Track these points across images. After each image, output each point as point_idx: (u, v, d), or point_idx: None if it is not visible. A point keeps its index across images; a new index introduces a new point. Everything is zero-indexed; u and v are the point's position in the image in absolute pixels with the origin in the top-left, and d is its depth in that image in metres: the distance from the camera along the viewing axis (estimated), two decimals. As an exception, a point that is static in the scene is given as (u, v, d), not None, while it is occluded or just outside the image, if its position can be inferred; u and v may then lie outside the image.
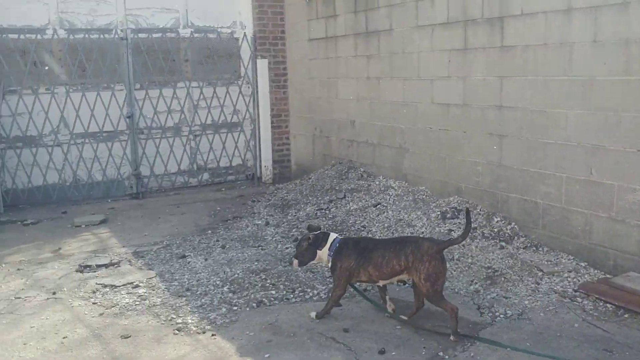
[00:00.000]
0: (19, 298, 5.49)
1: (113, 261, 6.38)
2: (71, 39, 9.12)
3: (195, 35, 9.93)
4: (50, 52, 9.07)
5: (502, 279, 5.43)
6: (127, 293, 5.49)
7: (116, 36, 9.33)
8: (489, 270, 5.58)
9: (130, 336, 4.63)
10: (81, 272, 6.12)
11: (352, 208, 7.57)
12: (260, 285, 5.58)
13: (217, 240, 7.04)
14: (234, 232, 7.38)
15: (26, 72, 8.88)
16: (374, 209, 7.37)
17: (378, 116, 8.29)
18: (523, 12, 6.04)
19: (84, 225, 7.91)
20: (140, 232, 7.57)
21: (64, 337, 4.65)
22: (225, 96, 10.23)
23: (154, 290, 5.55)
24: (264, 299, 5.25)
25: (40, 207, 8.98)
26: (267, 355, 4.28)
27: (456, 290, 5.30)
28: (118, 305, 5.22)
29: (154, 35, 9.61)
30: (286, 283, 5.60)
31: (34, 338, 4.66)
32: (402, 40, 7.66)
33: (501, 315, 4.79)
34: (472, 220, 4.85)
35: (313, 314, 4.88)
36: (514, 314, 4.80)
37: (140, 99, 9.58)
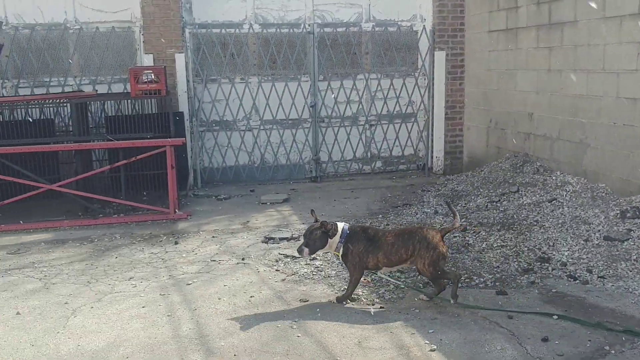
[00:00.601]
0: (214, 261, 6.28)
1: (294, 235, 7.00)
2: (264, 33, 10.00)
3: (376, 28, 10.35)
4: (246, 45, 10.02)
5: (684, 282, 5.17)
6: (306, 264, 6.04)
7: (304, 30, 10.05)
8: (669, 272, 5.33)
9: (307, 300, 5.14)
10: (266, 243, 6.82)
11: (525, 202, 7.50)
12: (427, 268, 5.83)
13: (387, 225, 7.39)
14: (403, 218, 7.68)
15: (225, 63, 9.90)
16: (549, 204, 7.24)
17: (558, 109, 8.10)
18: None
19: (268, 203, 8.71)
20: (318, 211, 7.92)
21: (251, 296, 5.29)
22: (402, 87, 10.56)
23: (329, 263, 6.05)
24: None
25: (231, 184, 10.01)
26: (431, 331, 4.54)
27: (630, 289, 5.15)
28: (297, 273, 5.79)
29: (338, 30, 10.20)
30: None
31: (227, 295, 5.35)
32: (588, 31, 7.42)
33: (679, 318, 4.61)
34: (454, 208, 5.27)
35: (333, 299, 5.10)
36: (694, 317, 4.59)
37: (323, 89, 10.25)
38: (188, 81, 9.62)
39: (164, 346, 4.40)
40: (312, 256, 5.24)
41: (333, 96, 10.24)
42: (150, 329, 4.70)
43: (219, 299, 5.26)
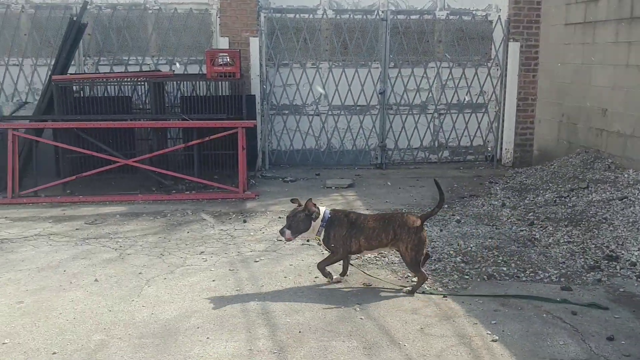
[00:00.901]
0: (280, 241, 6.45)
1: (358, 221, 7.09)
2: (337, 18, 10.08)
3: (450, 17, 10.27)
4: (319, 30, 10.12)
5: None
6: (369, 249, 6.14)
7: (377, 17, 10.08)
8: None
9: (370, 285, 5.25)
10: (331, 226, 6.94)
11: (594, 199, 7.35)
12: (492, 260, 5.82)
13: (453, 215, 7.39)
14: (469, 209, 7.66)
15: (297, 48, 10.05)
16: (620, 202, 7.07)
17: (633, 106, 7.86)
18: None
19: (333, 187, 8.85)
20: (382, 198, 8.24)
21: (315, 277, 5.43)
22: (473, 77, 10.46)
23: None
24: (494, 274, 5.50)
25: (297, 167, 10.20)
26: (493, 322, 4.57)
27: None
28: (361, 258, 5.89)
29: (412, 17, 10.18)
30: (518, 262, 5.77)
31: (292, 274, 5.52)
32: (672, 26, 7.17)
33: None
34: (442, 190, 5.22)
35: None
36: None
37: (393, 76, 10.27)
38: (261, 65, 9.82)
39: (233, 319, 4.60)
40: (294, 239, 5.21)
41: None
42: (220, 302, 4.91)
43: (285, 277, 5.44)
